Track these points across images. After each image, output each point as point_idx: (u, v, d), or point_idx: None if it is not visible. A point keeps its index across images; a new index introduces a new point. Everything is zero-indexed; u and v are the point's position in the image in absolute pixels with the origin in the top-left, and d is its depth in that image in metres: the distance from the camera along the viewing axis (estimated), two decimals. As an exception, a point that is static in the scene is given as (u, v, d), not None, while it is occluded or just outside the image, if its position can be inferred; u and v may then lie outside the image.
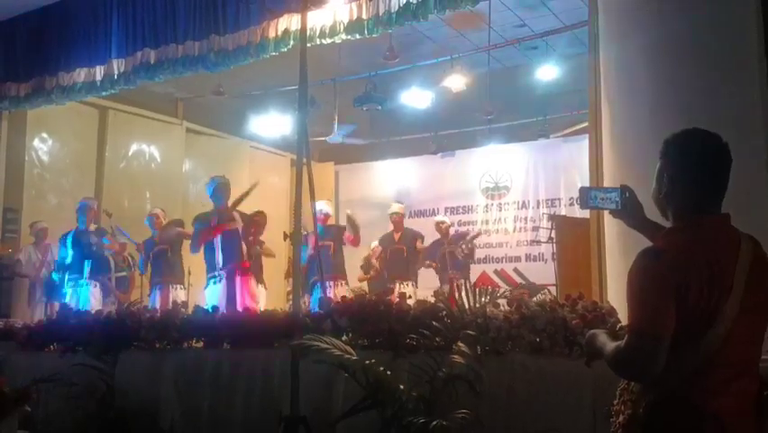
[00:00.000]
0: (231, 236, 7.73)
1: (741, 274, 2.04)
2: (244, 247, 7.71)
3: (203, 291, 7.86)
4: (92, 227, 8.84)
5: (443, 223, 9.95)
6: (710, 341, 1.99)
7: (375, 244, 9.78)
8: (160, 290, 8.64)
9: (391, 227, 9.55)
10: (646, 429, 2.07)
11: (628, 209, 2.41)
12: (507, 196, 11.70)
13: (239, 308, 6.83)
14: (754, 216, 3.66)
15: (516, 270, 11.03)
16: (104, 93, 8.19)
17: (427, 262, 9.58)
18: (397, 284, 8.89)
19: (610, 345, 2.13)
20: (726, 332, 1.99)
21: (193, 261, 8.88)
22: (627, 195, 2.41)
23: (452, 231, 10.09)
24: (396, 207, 9.59)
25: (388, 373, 4.04)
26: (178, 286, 8.86)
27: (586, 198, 2.45)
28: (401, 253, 9.23)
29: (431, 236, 9.80)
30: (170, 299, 8.39)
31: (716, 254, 2.06)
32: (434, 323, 4.39)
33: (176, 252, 8.85)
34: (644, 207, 2.44)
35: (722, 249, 2.09)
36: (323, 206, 8.88)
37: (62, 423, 5.75)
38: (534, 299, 4.69)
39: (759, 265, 2.09)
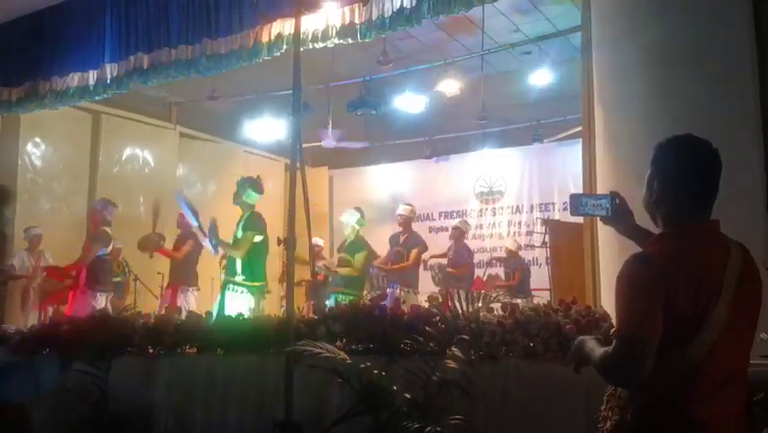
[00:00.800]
0: None
1: (730, 281, 2.04)
2: None
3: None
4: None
5: (456, 228, 9.94)
6: (698, 347, 2.00)
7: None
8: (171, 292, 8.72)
9: (399, 229, 9.43)
10: None
11: (618, 216, 2.43)
12: (501, 200, 11.72)
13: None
14: (750, 219, 3.68)
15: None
16: (97, 97, 8.17)
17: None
18: (398, 288, 8.74)
19: (598, 351, 2.14)
20: (715, 338, 2.00)
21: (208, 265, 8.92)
22: (617, 202, 2.43)
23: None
24: (400, 209, 9.44)
25: (382, 378, 4.04)
26: (189, 289, 8.88)
27: (577, 204, 2.47)
28: (401, 256, 9.08)
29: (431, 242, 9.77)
30: (178, 303, 8.40)
31: (705, 261, 2.07)
32: (427, 328, 4.39)
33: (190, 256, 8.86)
34: (638, 214, 2.45)
35: (711, 256, 2.09)
36: (347, 217, 8.76)
37: (56, 429, 5.73)
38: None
39: (748, 272, 2.10)
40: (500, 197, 11.73)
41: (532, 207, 11.40)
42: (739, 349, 2.10)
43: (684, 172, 2.16)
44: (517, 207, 11.55)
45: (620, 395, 2.14)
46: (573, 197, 2.49)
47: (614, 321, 4.12)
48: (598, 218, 2.51)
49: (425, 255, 9.33)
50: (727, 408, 2.05)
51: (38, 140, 9.94)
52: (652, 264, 2.04)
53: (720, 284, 2.03)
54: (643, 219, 2.47)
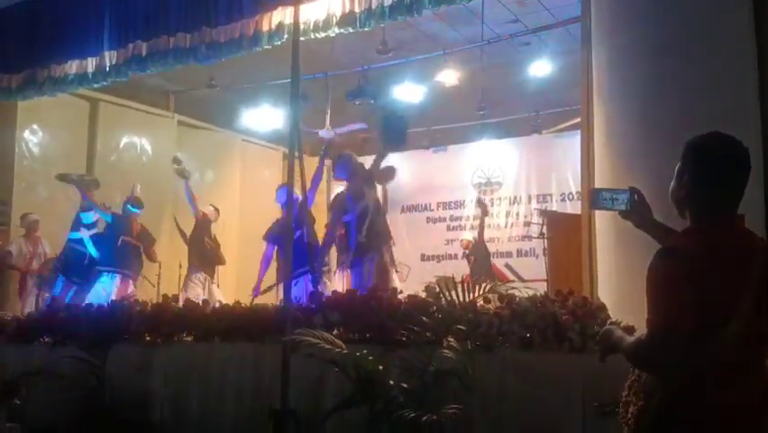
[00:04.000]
0: None
1: (755, 275, 2.10)
2: None
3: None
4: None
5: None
6: (727, 339, 2.05)
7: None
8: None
9: None
10: (660, 421, 2.13)
11: (637, 210, 2.48)
12: (499, 191, 11.70)
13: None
14: (748, 215, 3.68)
15: (507, 265, 11.03)
16: (95, 85, 8.15)
17: None
18: None
19: (629, 340, 2.19)
20: (742, 329, 2.06)
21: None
22: (636, 197, 2.48)
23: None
24: None
25: (379, 367, 4.05)
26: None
27: (596, 198, 2.54)
28: None
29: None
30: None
31: (734, 255, 2.13)
32: (424, 318, 4.40)
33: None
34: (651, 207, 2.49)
35: (739, 250, 2.15)
36: None
37: (52, 416, 5.74)
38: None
39: None
40: (498, 187, 11.71)
41: (530, 198, 11.38)
42: (761, 340, 2.17)
43: (716, 170, 2.21)
44: (515, 198, 11.53)
45: (645, 381, 2.19)
46: (593, 191, 2.59)
47: (611, 312, 4.15)
48: (617, 212, 2.54)
49: None
50: (750, 395, 2.13)
51: (35, 127, 9.92)
52: (683, 256, 2.10)
53: (747, 279, 2.09)
54: (657, 214, 2.50)
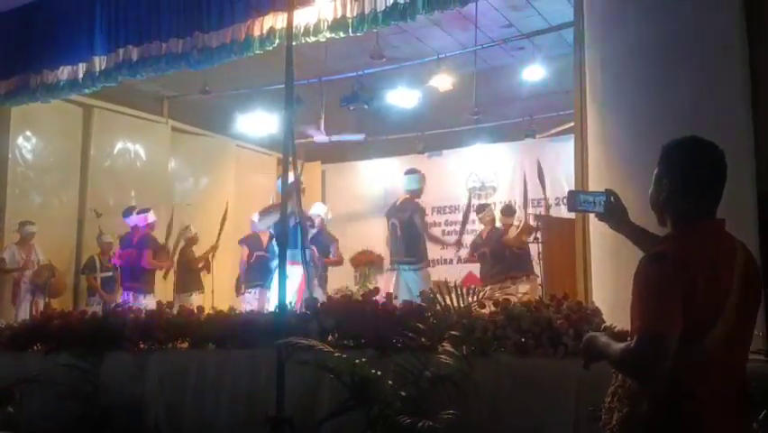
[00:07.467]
0: None
1: (738, 279, 2.11)
2: None
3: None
4: None
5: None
6: (710, 343, 2.06)
7: None
8: None
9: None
10: (646, 427, 2.12)
11: (613, 213, 2.48)
12: (494, 195, 11.70)
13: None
14: (739, 218, 3.70)
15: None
16: (86, 90, 8.10)
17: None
18: None
19: (617, 346, 2.15)
20: (725, 335, 2.06)
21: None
22: (612, 199, 2.47)
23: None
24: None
25: (374, 373, 4.04)
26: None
27: (573, 201, 2.54)
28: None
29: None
30: None
31: (716, 259, 2.13)
32: (419, 324, 4.39)
33: None
34: (629, 209, 2.48)
35: (721, 254, 2.15)
36: (318, 209, 8.80)
37: (46, 423, 5.72)
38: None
39: (751, 271, 2.17)
40: (493, 192, 11.71)
41: (524, 203, 11.38)
42: (742, 344, 2.18)
43: (694, 174, 2.21)
44: (510, 202, 11.54)
45: (630, 388, 2.17)
46: (571, 193, 2.58)
47: (605, 317, 4.15)
48: (594, 214, 2.54)
49: None
50: (730, 398, 2.13)
51: (29, 133, 9.87)
52: (668, 261, 2.09)
53: (731, 282, 2.10)
54: (635, 217, 2.49)
